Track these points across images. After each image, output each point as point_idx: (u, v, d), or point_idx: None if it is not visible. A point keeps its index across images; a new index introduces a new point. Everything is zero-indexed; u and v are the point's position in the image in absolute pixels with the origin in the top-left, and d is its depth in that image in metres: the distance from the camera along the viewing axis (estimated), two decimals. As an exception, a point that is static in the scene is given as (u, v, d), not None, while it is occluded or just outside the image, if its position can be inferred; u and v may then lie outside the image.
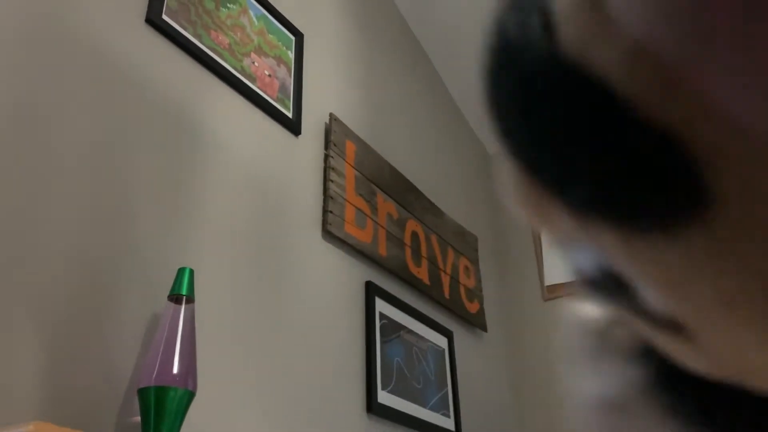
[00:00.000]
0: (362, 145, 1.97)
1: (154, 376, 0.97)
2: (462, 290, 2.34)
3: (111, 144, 1.16)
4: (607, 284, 0.17)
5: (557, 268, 2.78)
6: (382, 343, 1.78)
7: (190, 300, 1.07)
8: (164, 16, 1.36)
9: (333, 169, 1.78)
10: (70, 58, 1.13)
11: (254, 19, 1.67)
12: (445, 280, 2.23)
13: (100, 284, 1.06)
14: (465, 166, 2.90)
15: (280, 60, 1.72)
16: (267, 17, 1.73)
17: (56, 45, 1.12)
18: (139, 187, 1.19)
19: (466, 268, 2.44)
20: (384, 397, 1.70)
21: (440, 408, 1.96)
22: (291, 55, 1.78)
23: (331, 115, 1.85)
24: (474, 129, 3.15)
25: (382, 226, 1.93)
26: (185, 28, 1.41)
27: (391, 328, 1.85)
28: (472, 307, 2.38)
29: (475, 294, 2.44)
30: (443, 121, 2.80)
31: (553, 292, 2.75)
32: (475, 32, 2.72)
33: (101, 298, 1.06)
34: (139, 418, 1.04)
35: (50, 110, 1.07)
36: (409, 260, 2.03)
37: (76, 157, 1.09)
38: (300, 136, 1.73)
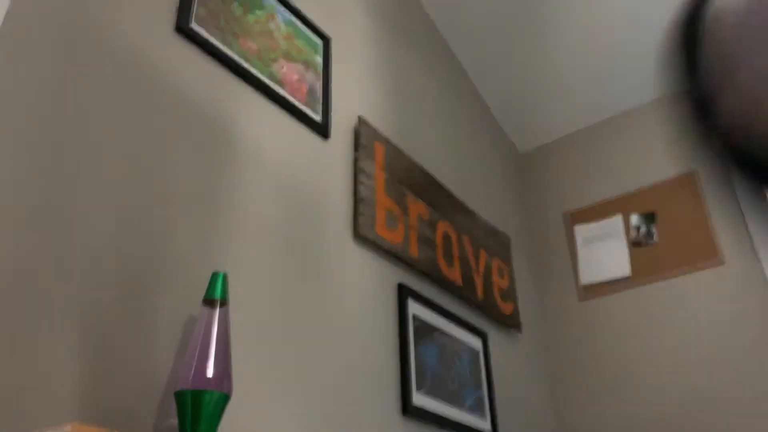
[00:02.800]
0: (391, 147, 1.96)
1: (190, 379, 0.98)
2: (495, 291, 2.31)
3: (146, 152, 1.18)
4: None
5: (593, 267, 2.73)
6: (415, 344, 1.77)
7: (224, 303, 1.07)
8: (193, 24, 1.38)
9: (362, 171, 1.78)
10: (105, 68, 1.16)
11: (282, 24, 1.68)
12: (478, 281, 2.21)
13: (138, 288, 1.08)
14: (495, 166, 2.87)
15: (308, 64, 1.73)
16: (294, 22, 1.74)
17: (90, 57, 1.14)
18: (174, 194, 1.21)
19: (499, 268, 2.42)
20: (419, 399, 1.69)
21: (477, 409, 1.94)
22: (318, 59, 1.79)
23: (359, 117, 1.85)
24: (504, 128, 3.13)
25: (413, 228, 1.92)
26: (214, 35, 1.43)
27: (425, 329, 1.84)
28: (507, 308, 2.35)
29: (509, 294, 2.42)
30: (472, 120, 2.78)
31: (589, 292, 2.71)
32: (502, 31, 2.70)
33: (139, 302, 1.07)
34: (176, 421, 1.06)
35: (87, 120, 1.09)
36: (441, 261, 2.02)
37: (112, 166, 1.11)
38: (329, 140, 1.73)
